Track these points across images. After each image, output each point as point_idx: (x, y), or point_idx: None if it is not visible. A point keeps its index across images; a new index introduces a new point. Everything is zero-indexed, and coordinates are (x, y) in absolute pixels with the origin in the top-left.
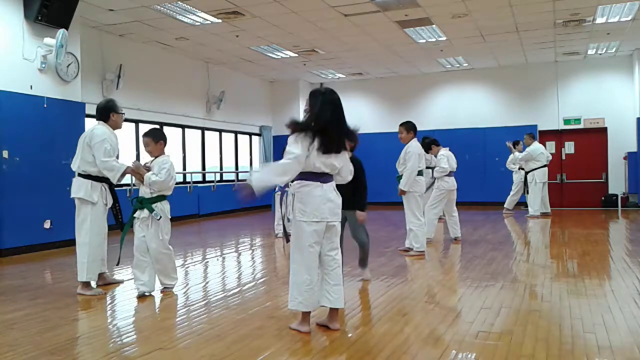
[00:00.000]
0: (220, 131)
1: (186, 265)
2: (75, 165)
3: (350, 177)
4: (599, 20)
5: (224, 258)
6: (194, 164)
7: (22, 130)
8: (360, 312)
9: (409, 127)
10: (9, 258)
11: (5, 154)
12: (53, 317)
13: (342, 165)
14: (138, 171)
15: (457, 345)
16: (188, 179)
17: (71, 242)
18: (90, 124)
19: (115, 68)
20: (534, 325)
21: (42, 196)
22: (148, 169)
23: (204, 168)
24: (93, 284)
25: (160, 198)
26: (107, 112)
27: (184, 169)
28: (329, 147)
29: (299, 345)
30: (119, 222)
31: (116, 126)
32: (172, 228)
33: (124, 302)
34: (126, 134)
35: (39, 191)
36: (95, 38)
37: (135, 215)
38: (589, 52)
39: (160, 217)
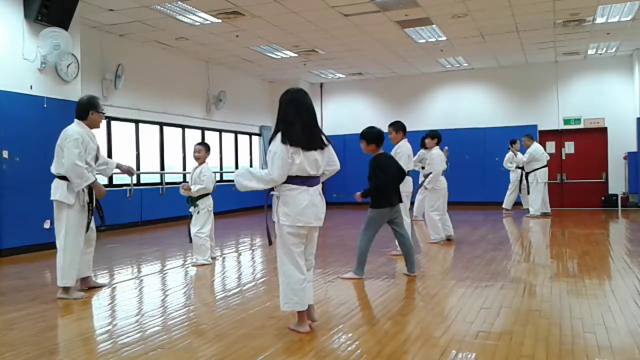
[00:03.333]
0: (220, 131)
1: (186, 266)
2: (52, 167)
3: (331, 167)
4: (599, 20)
5: (224, 258)
6: (194, 164)
7: (22, 130)
8: (360, 312)
9: (397, 127)
10: (9, 258)
11: (5, 154)
12: (53, 317)
13: (323, 159)
14: (99, 189)
15: (457, 345)
16: (188, 179)
17: None
18: None
19: (116, 68)
20: (534, 325)
21: (42, 196)
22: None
23: None
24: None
25: (204, 195)
26: (86, 110)
27: (184, 169)
28: (297, 140)
29: (299, 345)
30: (103, 222)
31: (94, 125)
32: (172, 228)
33: (123, 302)
34: (126, 134)
35: (39, 191)
36: (95, 38)
37: (190, 210)
38: (589, 52)
39: (199, 211)
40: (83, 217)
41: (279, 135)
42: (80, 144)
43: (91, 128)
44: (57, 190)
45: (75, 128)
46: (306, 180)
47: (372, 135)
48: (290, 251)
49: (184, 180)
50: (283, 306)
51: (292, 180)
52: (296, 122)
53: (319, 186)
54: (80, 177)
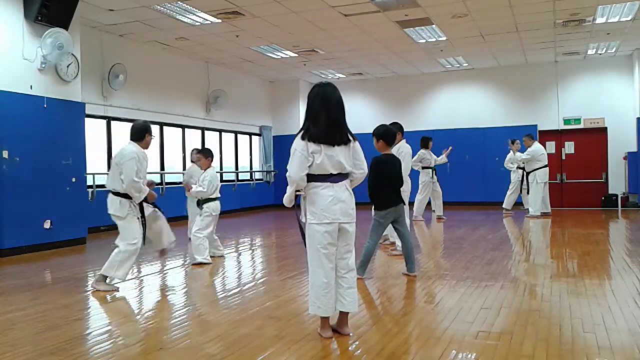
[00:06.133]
0: (220, 131)
1: (186, 266)
2: (108, 184)
3: (359, 171)
4: (599, 20)
5: (224, 258)
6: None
7: (22, 130)
8: (360, 312)
9: (396, 128)
10: (9, 258)
11: (5, 154)
12: (53, 317)
13: (347, 158)
14: (151, 194)
15: (457, 345)
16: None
17: (71, 242)
18: (90, 124)
19: (116, 68)
20: (534, 325)
21: (42, 196)
22: (150, 184)
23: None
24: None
25: (210, 200)
26: (142, 133)
27: (184, 169)
28: (318, 135)
29: (298, 345)
30: (144, 236)
31: (146, 147)
32: (173, 228)
33: (123, 302)
34: (126, 134)
35: (39, 191)
36: (95, 38)
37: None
38: (589, 52)
39: (201, 213)
40: (138, 226)
41: (301, 132)
42: (136, 162)
43: (144, 148)
44: (112, 205)
45: (132, 148)
46: (329, 178)
47: (377, 131)
48: (317, 252)
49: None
50: (309, 309)
51: (314, 178)
52: (322, 115)
53: (346, 182)
54: (139, 191)
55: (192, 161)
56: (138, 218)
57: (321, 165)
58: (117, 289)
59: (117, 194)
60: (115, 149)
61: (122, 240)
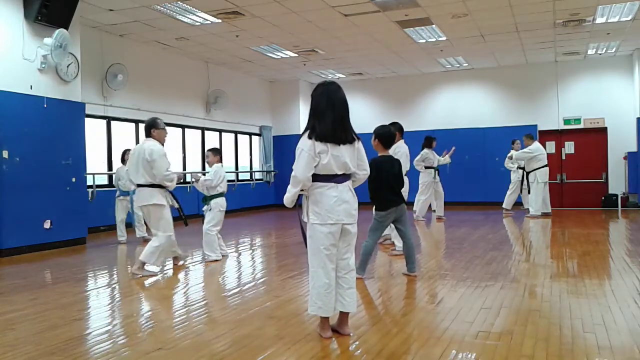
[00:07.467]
0: (220, 131)
1: (186, 265)
2: (138, 179)
3: (362, 172)
4: (599, 20)
5: (226, 257)
6: (194, 164)
7: (22, 130)
8: (360, 312)
9: (396, 128)
10: (9, 258)
11: (5, 154)
12: (53, 317)
13: (352, 158)
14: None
15: (457, 345)
16: (188, 179)
17: (71, 242)
18: (90, 124)
19: (114, 68)
20: (534, 325)
21: (42, 196)
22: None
23: (203, 168)
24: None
25: (217, 195)
26: (148, 129)
27: (184, 169)
28: (325, 134)
29: (298, 345)
30: (183, 218)
31: (160, 140)
32: (174, 228)
33: (124, 302)
34: (126, 134)
35: (39, 191)
36: (95, 38)
37: (203, 209)
38: (589, 52)
39: (211, 208)
40: (171, 219)
41: (307, 131)
42: (166, 157)
43: (161, 143)
44: (153, 196)
45: (155, 144)
46: (333, 178)
47: (378, 130)
48: (319, 252)
49: (186, 181)
50: (309, 308)
51: (319, 178)
52: (327, 114)
53: (349, 182)
54: (171, 181)
55: (122, 162)
56: (170, 205)
57: (327, 166)
58: (155, 274)
59: (152, 185)
60: (116, 148)
61: (160, 231)
